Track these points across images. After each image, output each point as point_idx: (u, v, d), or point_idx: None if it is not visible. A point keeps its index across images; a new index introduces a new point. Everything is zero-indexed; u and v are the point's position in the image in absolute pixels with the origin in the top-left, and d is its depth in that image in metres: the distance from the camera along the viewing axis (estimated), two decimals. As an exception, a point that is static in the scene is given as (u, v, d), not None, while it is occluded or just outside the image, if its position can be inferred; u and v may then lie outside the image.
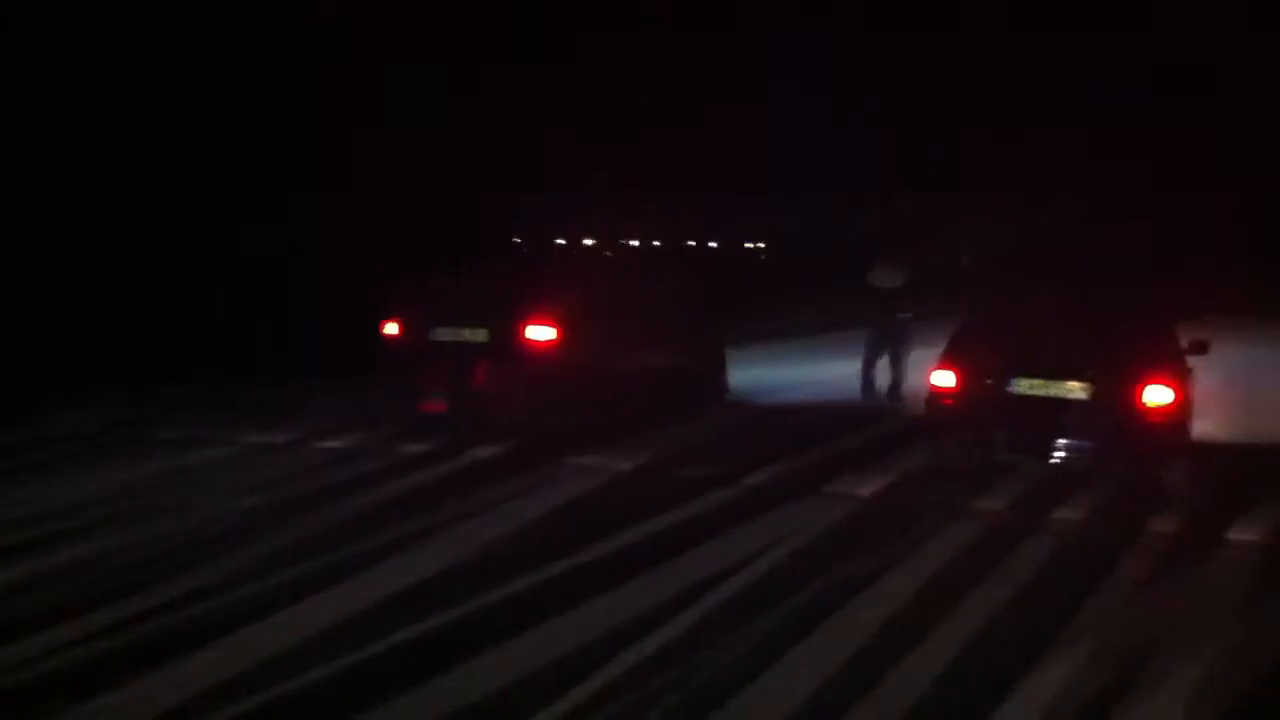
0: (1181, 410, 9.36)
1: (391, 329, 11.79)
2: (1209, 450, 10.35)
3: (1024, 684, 5.59)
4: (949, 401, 9.66)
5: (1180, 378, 9.50)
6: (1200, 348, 10.15)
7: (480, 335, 11.51)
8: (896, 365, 13.78)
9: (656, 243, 34.02)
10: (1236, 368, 13.78)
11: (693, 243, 35.75)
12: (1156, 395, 9.16)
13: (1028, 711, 5.33)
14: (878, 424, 12.25)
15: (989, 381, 9.46)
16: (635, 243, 33.77)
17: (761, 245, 36.83)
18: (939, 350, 10.19)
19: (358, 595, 6.65)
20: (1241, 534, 8.09)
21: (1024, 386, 9.40)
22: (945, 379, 9.69)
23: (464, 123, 19.22)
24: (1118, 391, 9.21)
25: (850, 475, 9.76)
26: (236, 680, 5.44)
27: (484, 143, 19.90)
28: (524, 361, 11.31)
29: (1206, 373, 10.89)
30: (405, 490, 9.23)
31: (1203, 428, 10.37)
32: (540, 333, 11.36)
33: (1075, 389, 9.32)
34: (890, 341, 13.80)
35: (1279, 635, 6.26)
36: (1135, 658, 5.95)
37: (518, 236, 24.54)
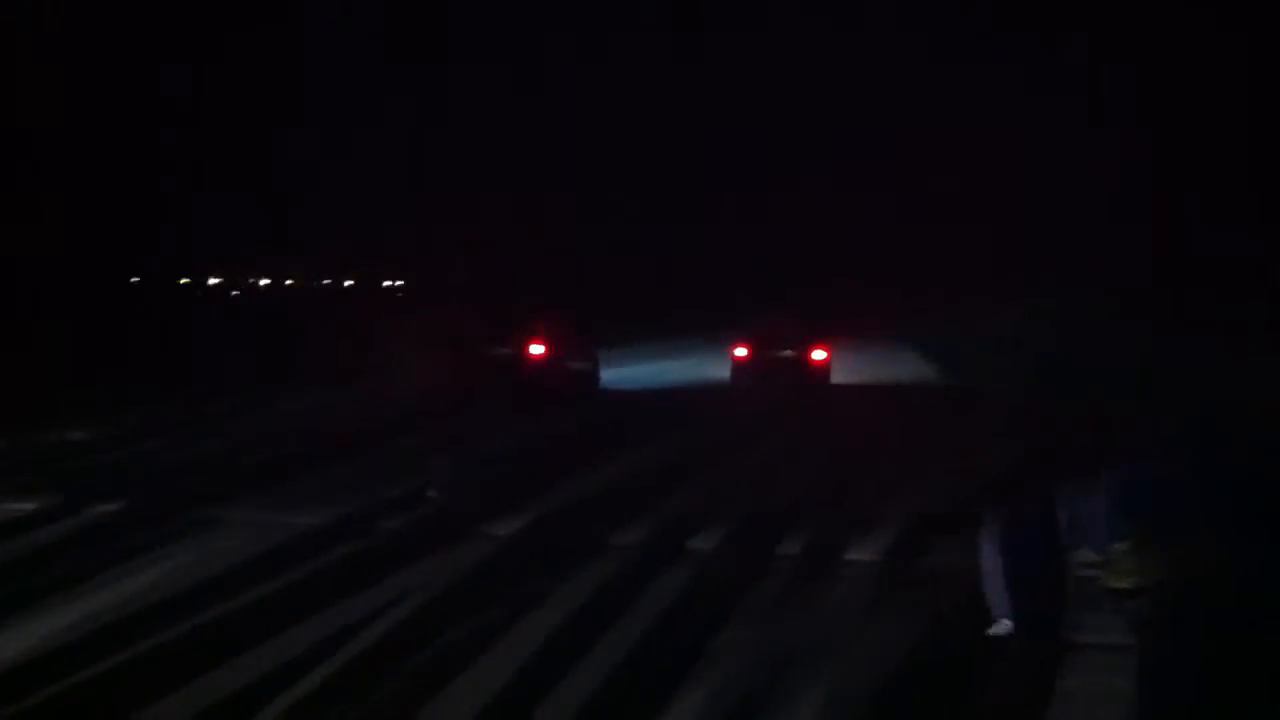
0: (828, 363, 20.74)
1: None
2: (844, 385, 20.51)
3: (661, 715, 5.63)
4: (743, 361, 20.63)
5: (829, 348, 20.83)
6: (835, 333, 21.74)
7: (507, 351, 19.50)
8: None
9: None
10: (880, 352, 25.60)
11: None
12: (818, 354, 20.63)
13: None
14: (515, 460, 12.27)
15: (760, 350, 20.54)
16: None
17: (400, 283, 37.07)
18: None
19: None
20: (858, 554, 8.52)
21: (772, 352, 20.49)
22: (741, 351, 20.86)
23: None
24: (803, 353, 20.49)
25: (490, 514, 9.64)
26: None
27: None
28: (529, 366, 19.25)
29: (861, 353, 23.43)
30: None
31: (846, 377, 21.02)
32: (537, 349, 19.42)
33: (789, 353, 20.58)
34: None
35: (894, 652, 6.59)
36: (765, 682, 6.12)
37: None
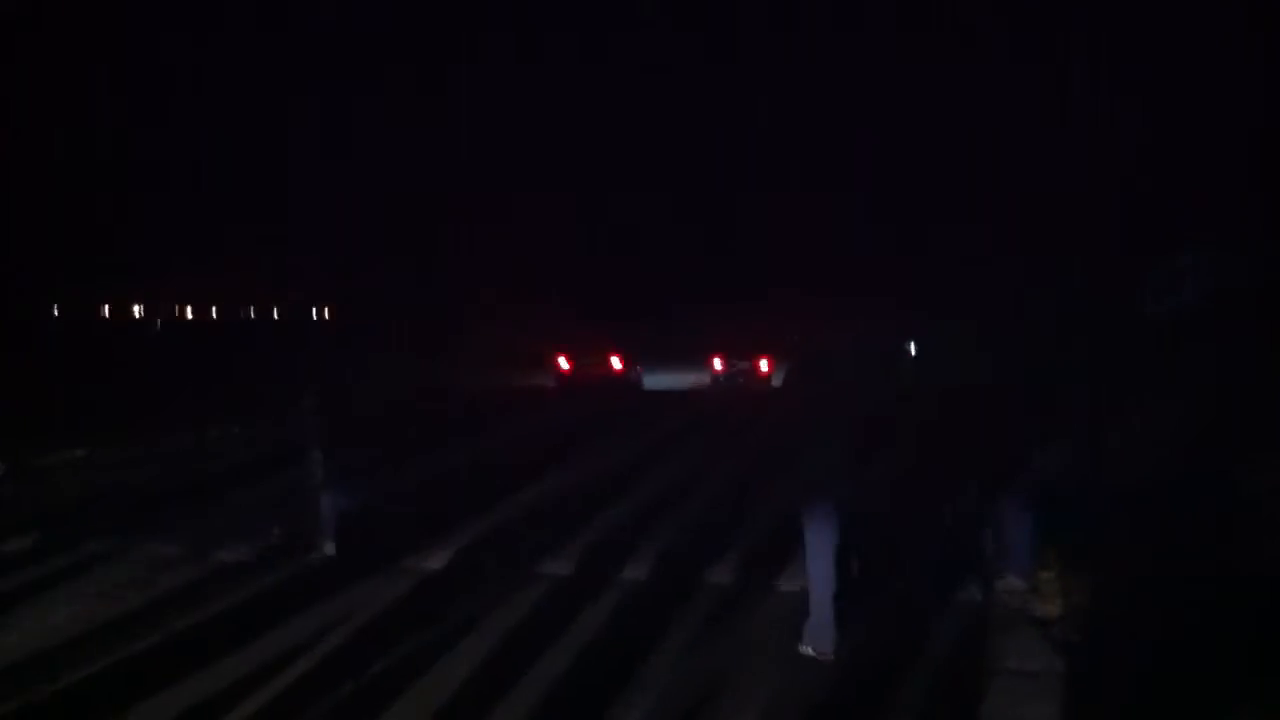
0: (771, 373, 24.66)
1: (563, 362, 25.26)
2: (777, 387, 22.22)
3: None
4: (719, 372, 25.37)
5: (771, 361, 24.82)
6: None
7: (599, 364, 25.14)
8: None
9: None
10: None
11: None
12: (763, 365, 24.90)
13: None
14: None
15: (727, 362, 25.59)
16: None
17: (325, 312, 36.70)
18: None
19: None
20: (787, 584, 8.52)
21: (736, 363, 25.34)
22: (717, 363, 25.68)
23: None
24: (754, 363, 24.99)
25: (419, 545, 9.54)
26: None
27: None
28: (612, 375, 25.15)
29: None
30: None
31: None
32: (616, 363, 25.30)
33: (746, 364, 25.28)
34: None
35: (821, 679, 6.60)
36: (694, 709, 6.11)
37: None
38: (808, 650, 6.98)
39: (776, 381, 25.72)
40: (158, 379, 22.02)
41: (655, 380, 27.24)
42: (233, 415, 17.90)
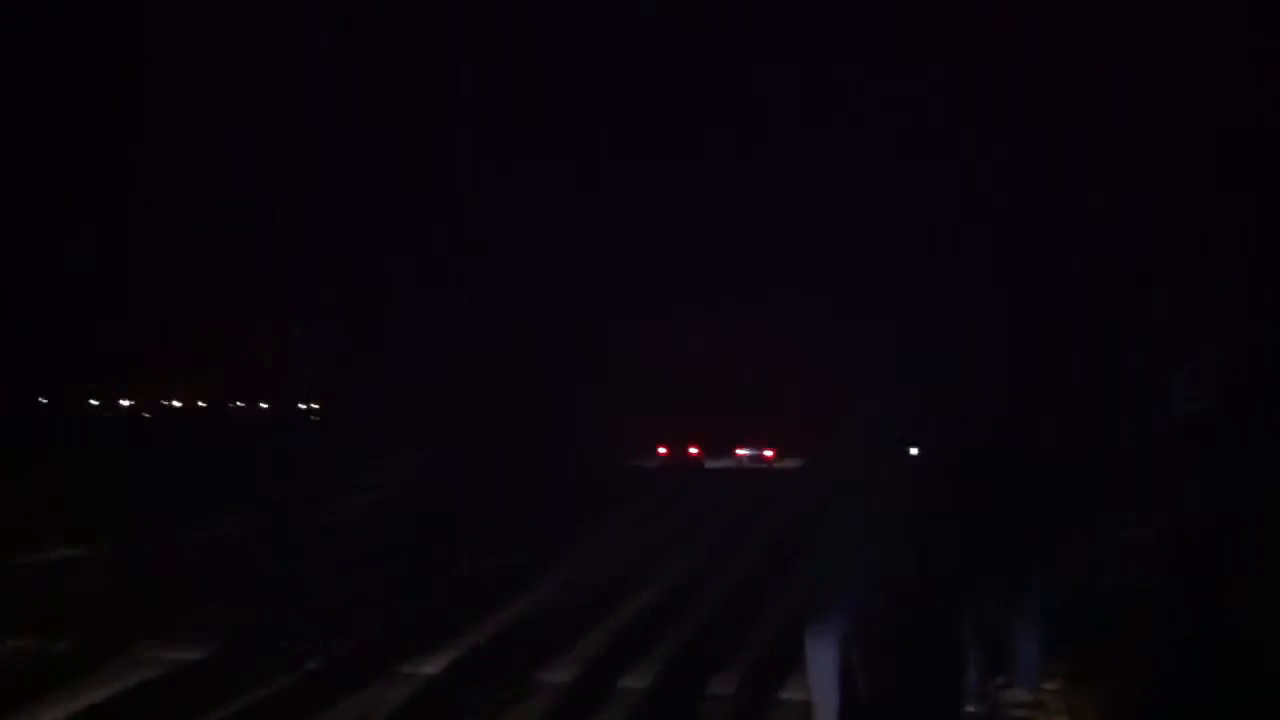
0: (776, 458, 37.60)
1: (662, 449, 38.62)
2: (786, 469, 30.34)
3: None
4: (740, 457, 40.19)
5: (776, 449, 38.11)
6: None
7: (684, 451, 38.69)
8: None
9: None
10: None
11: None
12: (768, 451, 38.39)
13: None
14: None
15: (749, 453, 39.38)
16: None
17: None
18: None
19: None
20: (792, 694, 8.44)
21: (749, 453, 39.35)
22: (740, 452, 39.92)
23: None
24: (762, 452, 38.47)
25: (415, 649, 9.44)
26: None
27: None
28: (690, 459, 38.76)
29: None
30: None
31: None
32: (694, 450, 39.03)
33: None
34: None
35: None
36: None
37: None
38: None
39: (779, 464, 37.54)
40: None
41: (712, 463, 40.26)
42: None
